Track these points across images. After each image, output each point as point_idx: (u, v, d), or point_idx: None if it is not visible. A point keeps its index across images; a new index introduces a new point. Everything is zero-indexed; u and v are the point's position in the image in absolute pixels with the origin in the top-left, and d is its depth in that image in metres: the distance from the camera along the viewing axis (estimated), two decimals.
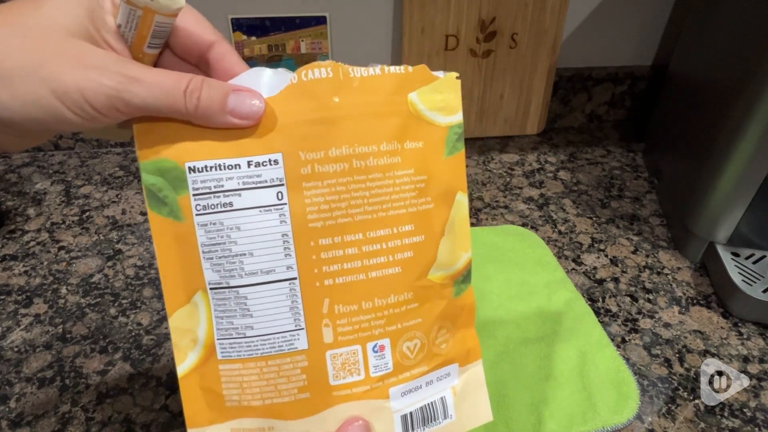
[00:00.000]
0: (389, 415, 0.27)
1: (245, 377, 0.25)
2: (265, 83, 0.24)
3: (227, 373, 0.25)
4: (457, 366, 0.29)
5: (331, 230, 0.25)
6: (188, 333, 0.25)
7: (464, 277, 0.29)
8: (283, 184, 0.24)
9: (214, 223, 0.24)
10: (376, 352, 0.26)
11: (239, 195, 0.24)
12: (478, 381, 0.30)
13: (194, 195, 0.24)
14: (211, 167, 0.24)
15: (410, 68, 0.26)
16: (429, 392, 0.28)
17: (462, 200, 0.27)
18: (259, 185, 0.24)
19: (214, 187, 0.24)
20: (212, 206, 0.24)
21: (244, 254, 0.24)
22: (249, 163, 0.24)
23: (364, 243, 0.25)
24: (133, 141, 0.24)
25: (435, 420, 0.28)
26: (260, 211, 0.24)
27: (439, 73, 0.26)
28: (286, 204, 0.24)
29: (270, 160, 0.24)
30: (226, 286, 0.24)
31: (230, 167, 0.24)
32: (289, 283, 0.25)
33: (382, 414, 0.27)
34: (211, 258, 0.24)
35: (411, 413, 0.27)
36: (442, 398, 0.28)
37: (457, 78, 0.26)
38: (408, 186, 0.26)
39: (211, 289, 0.24)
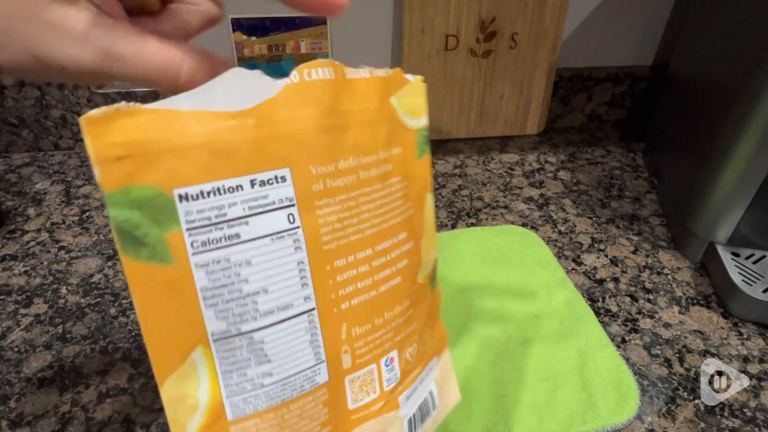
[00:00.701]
0: (400, 424, 0.26)
1: None
2: (252, 84, 0.21)
3: None
4: (436, 358, 0.29)
5: (345, 250, 0.23)
6: (186, 399, 0.20)
7: (434, 272, 0.29)
8: (293, 205, 0.21)
9: (218, 262, 0.20)
10: (388, 365, 0.25)
11: (246, 223, 0.20)
12: (449, 366, 0.30)
13: (189, 230, 0.19)
14: (208, 192, 0.19)
15: (390, 71, 0.25)
16: (422, 390, 0.28)
17: (430, 200, 0.27)
18: (267, 209, 0.20)
19: (215, 217, 0.19)
20: (214, 241, 0.19)
21: (258, 292, 0.21)
22: (253, 183, 0.20)
23: (373, 258, 0.24)
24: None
25: (429, 414, 0.28)
26: (272, 239, 0.20)
27: (409, 76, 0.26)
28: (299, 227, 0.21)
29: (277, 177, 0.20)
30: (236, 333, 0.21)
31: (231, 189, 0.19)
32: (308, 315, 0.22)
33: (394, 424, 0.26)
34: (216, 304, 0.20)
35: (414, 415, 0.27)
36: (430, 392, 0.29)
37: (423, 81, 0.26)
38: (399, 193, 0.25)
39: (215, 341, 0.20)
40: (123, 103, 0.18)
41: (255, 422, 0.22)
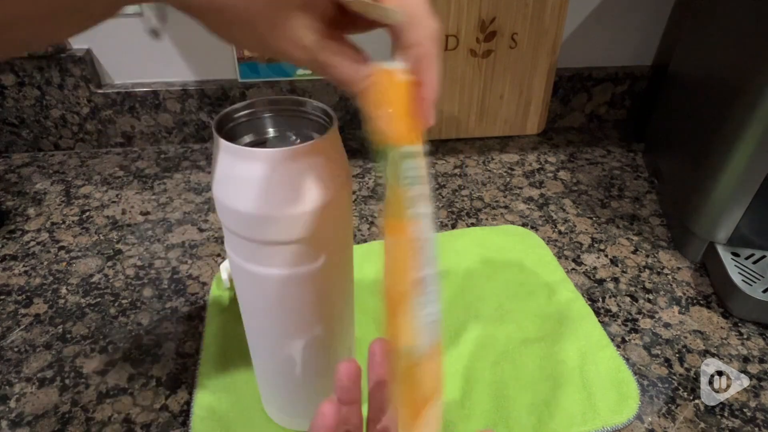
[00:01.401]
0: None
1: (432, 366, 0.25)
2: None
3: (425, 369, 0.24)
4: None
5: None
6: (397, 346, 0.24)
7: None
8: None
9: (420, 216, 0.23)
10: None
11: (423, 183, 0.23)
12: None
13: (406, 186, 0.23)
14: (412, 154, 0.23)
15: None
16: None
17: None
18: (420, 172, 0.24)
19: (415, 177, 0.23)
20: (416, 199, 0.23)
21: (432, 239, 0.24)
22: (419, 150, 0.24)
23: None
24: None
25: None
26: (428, 197, 0.24)
27: None
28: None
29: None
30: (425, 277, 0.24)
31: (415, 155, 0.23)
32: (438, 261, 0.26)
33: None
34: (420, 253, 0.23)
35: None
36: None
37: None
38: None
39: (416, 286, 0.23)
40: (398, 61, 0.23)
41: (427, 359, 0.24)
